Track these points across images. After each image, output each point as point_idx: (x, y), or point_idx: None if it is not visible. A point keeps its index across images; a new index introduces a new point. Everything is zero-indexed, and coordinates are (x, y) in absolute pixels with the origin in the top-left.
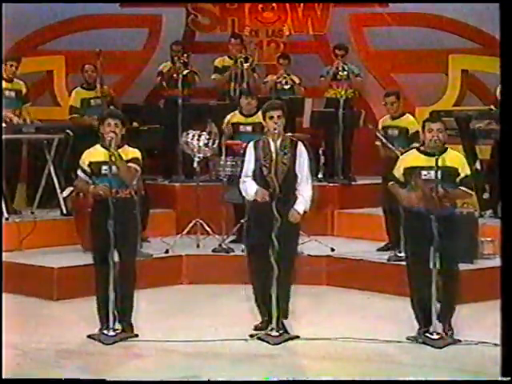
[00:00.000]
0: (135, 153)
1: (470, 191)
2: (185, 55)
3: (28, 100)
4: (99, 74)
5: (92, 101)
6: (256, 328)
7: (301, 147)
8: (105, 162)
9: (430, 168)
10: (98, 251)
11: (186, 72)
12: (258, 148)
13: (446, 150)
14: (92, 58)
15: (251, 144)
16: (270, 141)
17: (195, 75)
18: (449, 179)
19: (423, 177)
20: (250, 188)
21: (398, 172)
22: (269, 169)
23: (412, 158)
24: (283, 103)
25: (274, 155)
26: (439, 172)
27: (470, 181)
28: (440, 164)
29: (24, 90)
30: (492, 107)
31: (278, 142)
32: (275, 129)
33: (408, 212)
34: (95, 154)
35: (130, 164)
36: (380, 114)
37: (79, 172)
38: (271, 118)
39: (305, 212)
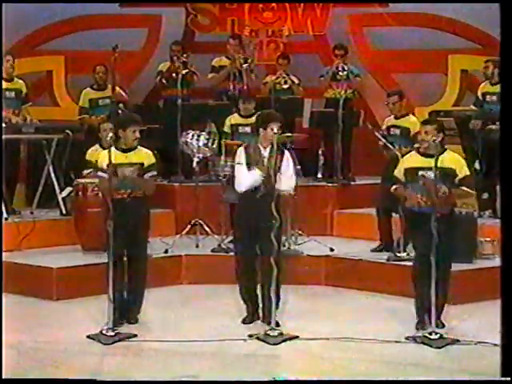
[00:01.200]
0: (150, 158)
1: (470, 190)
2: (184, 55)
3: (28, 100)
4: (113, 71)
5: (100, 101)
6: (243, 321)
7: (286, 153)
8: (119, 164)
9: (427, 169)
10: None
11: (185, 71)
12: (250, 154)
13: (444, 151)
14: (93, 58)
15: (241, 149)
16: (261, 147)
17: (194, 75)
18: (446, 180)
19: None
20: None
21: (399, 173)
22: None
23: (411, 158)
24: (281, 116)
25: (265, 160)
26: (437, 173)
27: (469, 181)
28: (438, 165)
29: (24, 90)
30: (472, 107)
31: (268, 149)
32: (273, 139)
33: (409, 212)
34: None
35: (147, 175)
36: (379, 114)
37: (99, 172)
38: (272, 129)
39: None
